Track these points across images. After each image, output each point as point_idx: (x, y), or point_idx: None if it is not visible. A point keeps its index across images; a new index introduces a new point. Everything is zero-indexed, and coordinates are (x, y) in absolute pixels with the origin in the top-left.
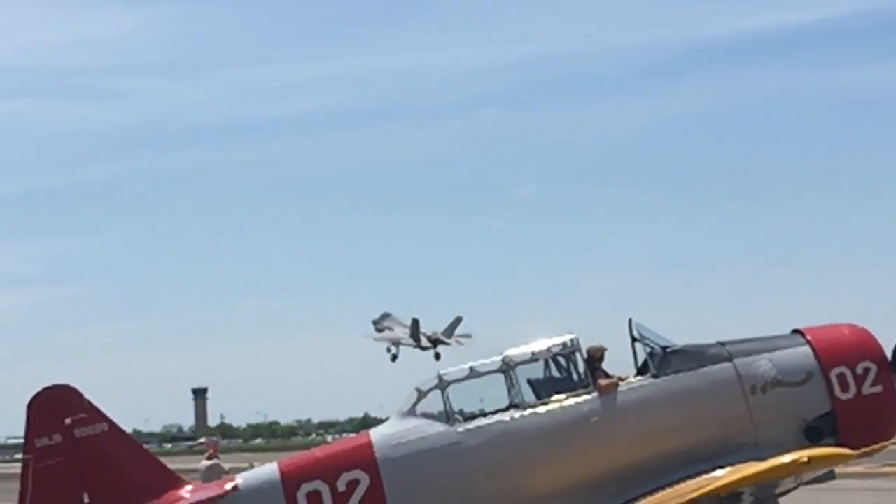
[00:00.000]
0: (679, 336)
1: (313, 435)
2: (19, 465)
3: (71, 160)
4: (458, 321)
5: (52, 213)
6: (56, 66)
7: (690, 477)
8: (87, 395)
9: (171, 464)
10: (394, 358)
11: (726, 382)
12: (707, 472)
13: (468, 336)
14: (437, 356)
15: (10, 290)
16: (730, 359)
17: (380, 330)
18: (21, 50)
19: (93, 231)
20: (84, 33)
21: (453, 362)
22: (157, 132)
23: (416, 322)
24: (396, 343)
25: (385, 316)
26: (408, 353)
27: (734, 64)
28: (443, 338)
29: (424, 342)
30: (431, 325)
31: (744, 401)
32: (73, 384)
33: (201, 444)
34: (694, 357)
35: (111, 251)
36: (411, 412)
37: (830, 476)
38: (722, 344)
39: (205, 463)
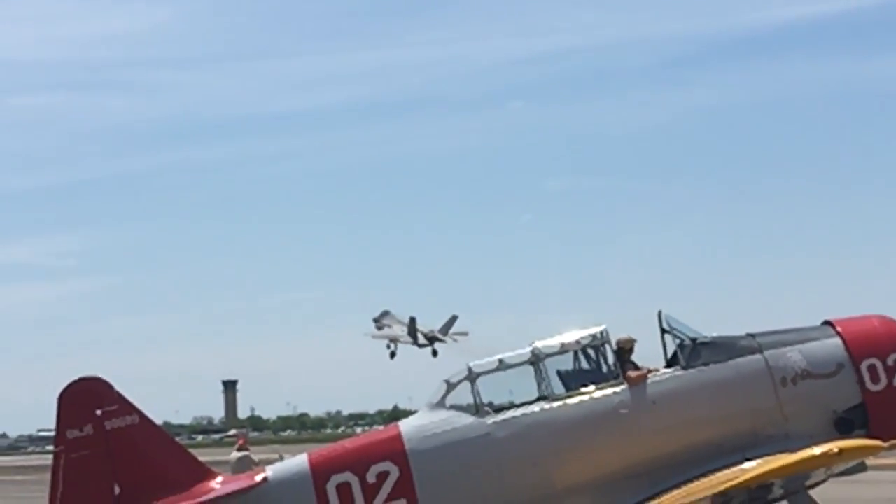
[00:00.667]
0: (709, 328)
1: (343, 427)
2: (51, 456)
3: (102, 153)
4: (453, 319)
5: (85, 207)
6: (87, 59)
7: (720, 469)
8: (118, 388)
9: (202, 456)
10: (392, 355)
11: (756, 374)
12: (737, 463)
13: (464, 334)
14: (434, 353)
15: (43, 282)
16: (760, 350)
17: (379, 328)
18: (52, 44)
19: (124, 224)
20: (114, 27)
21: (449, 359)
22: (186, 125)
23: (413, 320)
24: (394, 340)
25: (385, 314)
26: (407, 350)
27: (764, 55)
28: (439, 335)
29: (421, 340)
30: (428, 324)
31: (774, 392)
32: (104, 376)
33: (231, 436)
34: (724, 349)
35: (143, 244)
36: (441, 404)
37: (861, 468)
38: (752, 336)
39: (235, 455)
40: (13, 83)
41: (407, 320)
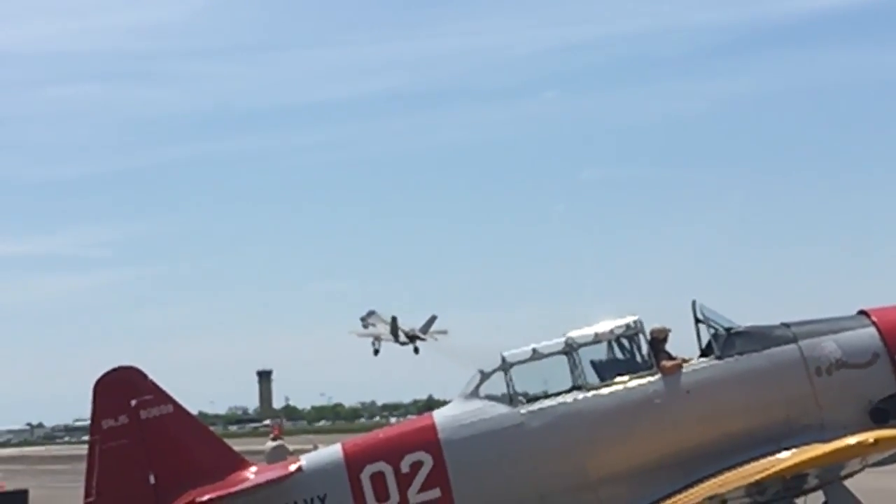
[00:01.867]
0: (743, 317)
1: (377, 417)
2: (87, 446)
3: (137, 144)
4: (433, 319)
5: (118, 197)
6: (120, 50)
7: (755, 459)
8: (153, 377)
9: (236, 446)
10: (376, 352)
11: (791, 364)
12: (772, 453)
13: (444, 332)
14: (416, 350)
15: (78, 273)
16: (794, 340)
17: (365, 326)
18: (86, 35)
19: (159, 214)
20: (148, 18)
21: (430, 356)
22: (221, 115)
23: (394, 319)
24: (378, 339)
25: (370, 313)
26: (390, 347)
27: (798, 43)
28: (419, 334)
29: (402, 338)
30: (409, 323)
31: (809, 382)
32: (139, 366)
33: (266, 426)
34: (758, 338)
35: (178, 234)
36: (474, 394)
37: None
38: (786, 325)
39: (270, 444)
40: (47, 74)
41: (394, 321)
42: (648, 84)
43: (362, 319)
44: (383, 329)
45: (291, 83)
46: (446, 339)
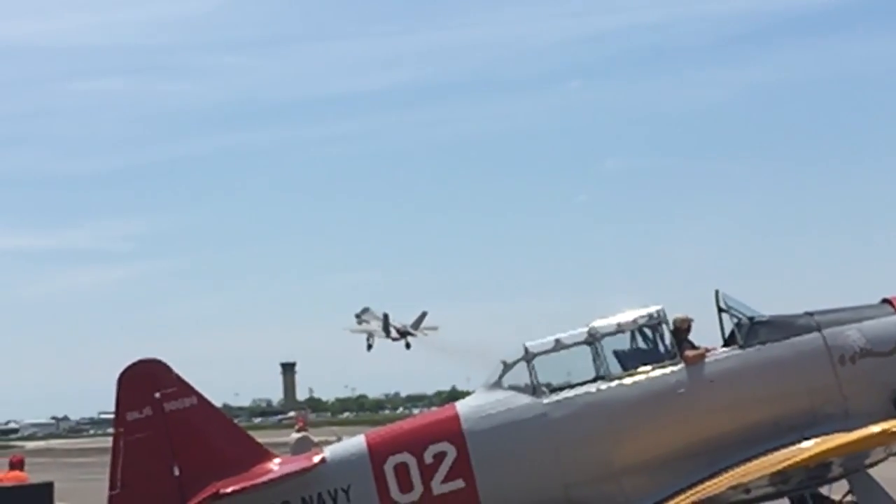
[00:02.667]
0: (766, 307)
1: (401, 408)
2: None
3: (160, 137)
4: (423, 315)
5: (143, 191)
6: (145, 44)
7: (778, 448)
8: (177, 370)
9: (261, 437)
10: (369, 347)
11: (814, 353)
12: (795, 442)
13: (434, 328)
14: (408, 346)
15: (102, 266)
16: (818, 329)
17: (359, 323)
18: (111, 29)
19: (183, 207)
20: (171, 12)
21: (421, 351)
22: (245, 108)
23: (386, 316)
24: (371, 334)
25: (365, 310)
26: (384, 342)
27: (821, 31)
28: (410, 330)
29: (394, 334)
30: (400, 319)
31: (832, 371)
32: (163, 359)
33: (290, 417)
34: (781, 327)
35: (201, 227)
36: (497, 384)
37: None
38: (810, 314)
39: (294, 436)
40: (72, 69)
41: (386, 318)
42: (671, 73)
43: (357, 316)
44: (376, 325)
45: (313, 75)
46: (436, 335)
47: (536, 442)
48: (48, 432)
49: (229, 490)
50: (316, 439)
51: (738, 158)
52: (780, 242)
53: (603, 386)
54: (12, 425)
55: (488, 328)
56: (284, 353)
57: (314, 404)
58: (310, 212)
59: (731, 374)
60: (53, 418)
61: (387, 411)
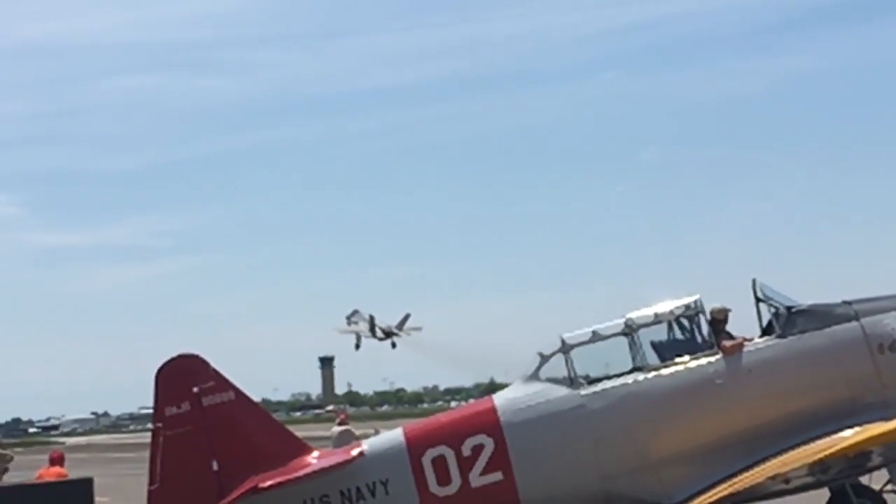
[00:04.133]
0: (804, 296)
1: (439, 402)
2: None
3: (195, 134)
4: (407, 317)
5: (179, 187)
6: (180, 40)
7: (818, 437)
8: (216, 366)
9: (299, 432)
10: (357, 347)
11: (853, 342)
12: (834, 432)
13: (418, 329)
14: (394, 345)
15: (140, 262)
16: (856, 318)
17: (349, 324)
18: (145, 26)
19: (220, 203)
20: (206, 7)
21: (406, 350)
22: (280, 103)
23: (372, 318)
24: (359, 335)
25: (354, 312)
26: (371, 341)
27: (856, 19)
28: (395, 330)
29: (379, 334)
30: (386, 320)
31: (871, 360)
32: (201, 354)
33: (329, 411)
34: (819, 316)
35: (239, 222)
36: (535, 376)
37: None
38: (848, 303)
39: (336, 429)
40: (107, 66)
41: (371, 319)
42: (707, 63)
43: (347, 318)
44: (364, 327)
45: (348, 70)
46: (420, 335)
47: (574, 434)
48: (88, 428)
49: (268, 484)
50: (358, 432)
51: (775, 148)
52: (818, 231)
53: (640, 377)
54: (53, 422)
55: (526, 321)
56: (323, 348)
57: (353, 398)
58: (346, 206)
59: (769, 363)
60: (93, 414)
61: (425, 404)
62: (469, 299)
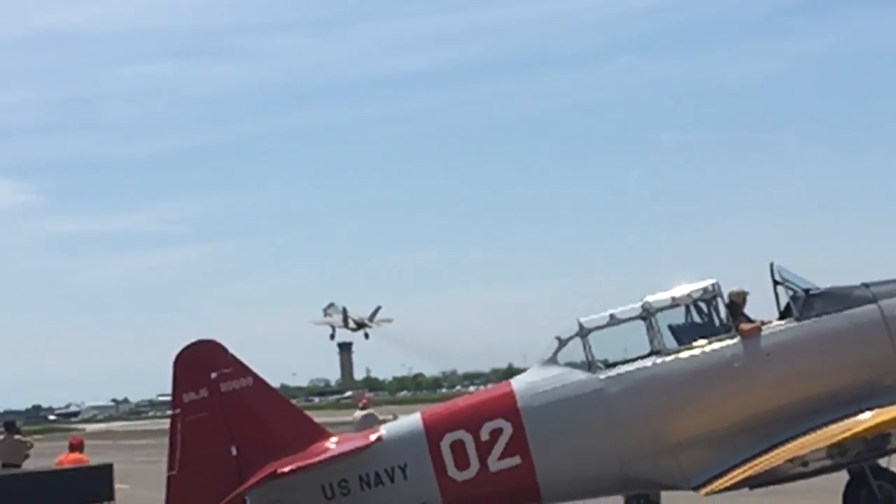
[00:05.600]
0: (822, 279)
1: (458, 386)
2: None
3: (214, 120)
4: (378, 309)
5: (196, 174)
6: (196, 26)
7: (836, 420)
8: (235, 352)
9: (318, 417)
10: (332, 337)
11: (871, 324)
12: (853, 414)
13: (388, 321)
14: (366, 335)
15: (157, 249)
16: (874, 300)
17: (324, 316)
18: (161, 12)
19: (238, 189)
20: None
21: (378, 340)
22: (298, 89)
23: (344, 310)
24: (333, 326)
25: (330, 305)
26: (344, 332)
27: (877, 1)
28: (367, 322)
29: (352, 325)
30: (358, 312)
31: (890, 342)
32: (220, 340)
33: (347, 397)
34: (838, 299)
35: (256, 208)
36: (552, 360)
37: None
38: (866, 285)
39: (359, 413)
40: (124, 53)
41: (344, 311)
42: (724, 46)
43: (324, 310)
44: (337, 318)
45: (366, 55)
46: (390, 326)
47: (592, 417)
48: (108, 415)
49: (287, 469)
50: (381, 417)
51: (793, 131)
52: (835, 214)
53: (658, 360)
54: (73, 409)
55: (542, 308)
56: (341, 334)
57: (371, 384)
58: (366, 191)
59: (788, 346)
60: (113, 401)
61: (444, 389)
62: (483, 285)
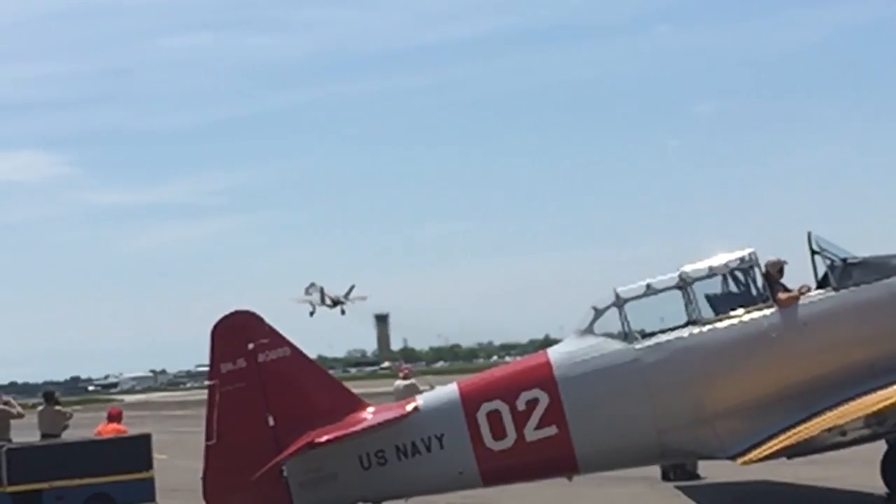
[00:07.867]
0: (860, 248)
1: (494, 357)
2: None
3: (250, 92)
4: (352, 287)
5: (234, 145)
6: None
7: (874, 390)
8: (272, 322)
9: (355, 388)
10: (311, 314)
11: None
12: (891, 384)
13: (363, 298)
14: (343, 312)
15: (195, 220)
16: None
17: (306, 294)
18: None
19: (273, 160)
20: None
21: (353, 317)
22: (334, 60)
23: (321, 289)
24: (313, 304)
25: (311, 285)
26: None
27: None
28: (342, 299)
29: (328, 302)
30: (334, 290)
31: None
32: (257, 311)
33: (385, 368)
34: (875, 268)
35: (292, 179)
36: (589, 330)
37: None
38: None
39: (400, 383)
40: (160, 25)
41: (321, 290)
42: (761, 15)
43: (306, 290)
44: (317, 297)
45: (402, 25)
46: (364, 304)
47: (629, 387)
48: (146, 386)
49: (324, 439)
50: (423, 387)
51: (831, 100)
52: (874, 183)
53: (695, 330)
54: (111, 380)
55: (579, 276)
56: (378, 305)
57: (408, 354)
58: (401, 162)
59: (825, 316)
60: (152, 372)
61: (480, 360)
62: (525, 253)
